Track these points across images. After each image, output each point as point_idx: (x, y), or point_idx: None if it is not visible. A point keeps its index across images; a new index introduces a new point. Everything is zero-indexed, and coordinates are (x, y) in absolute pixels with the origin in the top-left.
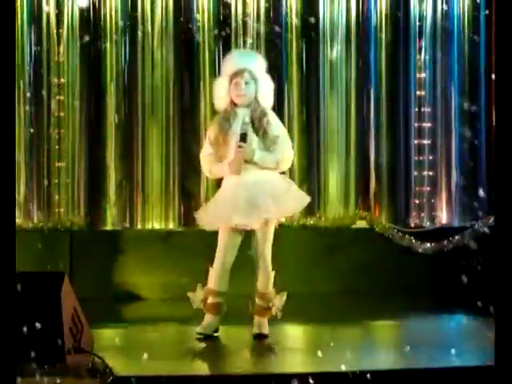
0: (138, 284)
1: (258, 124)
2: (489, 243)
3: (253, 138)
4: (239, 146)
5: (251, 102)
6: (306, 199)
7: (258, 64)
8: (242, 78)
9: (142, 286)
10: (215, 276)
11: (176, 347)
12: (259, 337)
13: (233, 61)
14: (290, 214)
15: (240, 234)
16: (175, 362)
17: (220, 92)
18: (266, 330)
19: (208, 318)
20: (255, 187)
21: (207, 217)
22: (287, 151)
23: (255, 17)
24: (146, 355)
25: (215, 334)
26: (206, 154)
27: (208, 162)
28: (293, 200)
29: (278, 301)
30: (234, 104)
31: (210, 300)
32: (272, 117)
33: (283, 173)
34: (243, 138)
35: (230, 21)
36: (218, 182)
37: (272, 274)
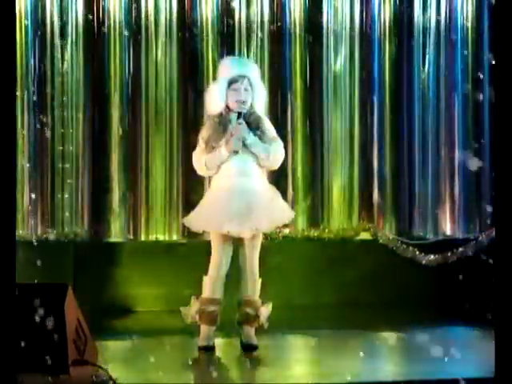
0: (141, 295)
1: (254, 127)
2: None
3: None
4: (239, 123)
5: (248, 108)
6: (293, 212)
7: (255, 72)
8: (242, 85)
9: (146, 297)
10: (210, 284)
11: (180, 359)
12: (248, 348)
13: (232, 67)
14: (279, 225)
15: (232, 242)
16: (178, 374)
17: (216, 96)
18: (254, 340)
19: (205, 330)
20: (248, 196)
21: (199, 220)
22: (280, 149)
23: (259, 28)
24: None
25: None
26: (199, 151)
27: (201, 157)
28: (282, 212)
29: (265, 310)
30: (228, 109)
31: (206, 309)
32: (267, 121)
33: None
34: (239, 116)
35: (234, 33)
36: None
37: (259, 281)
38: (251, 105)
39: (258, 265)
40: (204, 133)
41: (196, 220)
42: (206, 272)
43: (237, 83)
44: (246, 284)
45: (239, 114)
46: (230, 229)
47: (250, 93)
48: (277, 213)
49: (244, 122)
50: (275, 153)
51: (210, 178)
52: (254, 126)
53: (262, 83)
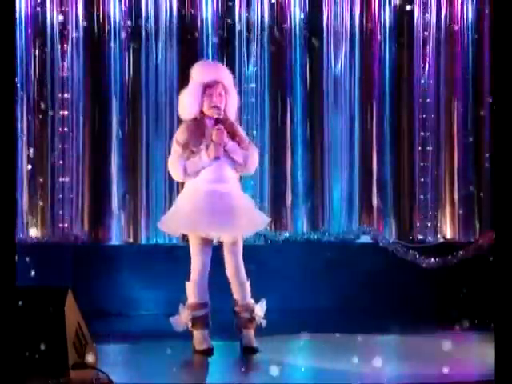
0: (141, 299)
1: (231, 133)
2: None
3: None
4: (218, 129)
5: (222, 113)
6: (268, 218)
7: (229, 77)
8: (217, 90)
9: (146, 300)
10: (195, 289)
11: (180, 362)
12: (249, 351)
13: (206, 71)
14: (255, 231)
15: (211, 243)
16: (178, 378)
17: (191, 101)
18: (254, 343)
19: (199, 334)
20: (228, 200)
21: (177, 223)
22: (256, 155)
23: (259, 32)
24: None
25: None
26: (175, 156)
27: (180, 163)
28: (260, 217)
29: (260, 309)
30: (203, 114)
31: (197, 315)
32: (239, 128)
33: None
34: (217, 121)
35: (234, 36)
36: None
37: (248, 284)
38: (224, 110)
39: (243, 267)
40: (180, 137)
41: (173, 223)
42: (187, 278)
43: (211, 88)
44: (235, 289)
45: (216, 119)
46: (210, 231)
47: (223, 98)
48: (256, 217)
49: (223, 127)
50: (252, 158)
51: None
52: (230, 131)
53: (234, 89)
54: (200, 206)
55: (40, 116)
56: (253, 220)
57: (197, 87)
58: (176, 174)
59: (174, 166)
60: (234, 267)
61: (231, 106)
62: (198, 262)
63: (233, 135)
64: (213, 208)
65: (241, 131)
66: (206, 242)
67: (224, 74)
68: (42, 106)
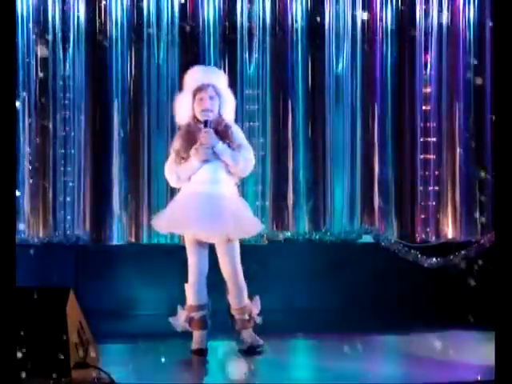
0: (143, 299)
1: (222, 135)
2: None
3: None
4: (205, 132)
5: (215, 116)
6: (261, 225)
7: (221, 79)
8: (207, 93)
9: (148, 300)
10: (192, 290)
11: (182, 362)
12: (254, 349)
13: (196, 76)
14: (246, 236)
15: (204, 243)
16: (180, 377)
17: (183, 107)
18: (259, 340)
19: (196, 334)
20: (217, 201)
21: (166, 222)
22: (249, 157)
23: (261, 32)
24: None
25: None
26: (169, 163)
27: (173, 170)
28: (250, 222)
29: (255, 308)
30: (196, 119)
31: (195, 316)
32: (236, 129)
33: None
34: (206, 124)
35: (236, 37)
36: None
37: (243, 285)
38: (219, 112)
39: (240, 268)
40: (174, 143)
41: (163, 222)
42: (186, 279)
43: (201, 92)
44: (232, 291)
45: (205, 122)
46: (198, 232)
47: (216, 101)
48: (245, 222)
49: (211, 130)
50: (244, 161)
51: None
52: (222, 133)
53: (229, 90)
54: (187, 206)
55: (41, 116)
56: (241, 225)
57: (187, 93)
58: (171, 180)
59: (168, 172)
60: (229, 269)
61: (225, 107)
62: (192, 264)
63: (224, 137)
64: (198, 208)
65: (235, 133)
66: (198, 242)
67: (214, 77)
68: (44, 106)
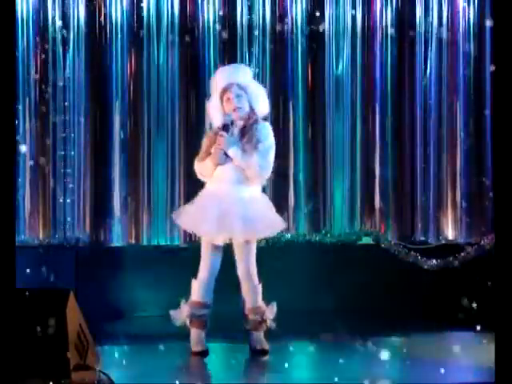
0: (143, 300)
1: (247, 129)
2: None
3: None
4: (220, 135)
5: (245, 113)
6: (280, 226)
7: (244, 75)
8: (232, 93)
9: (148, 302)
10: (199, 287)
11: (182, 364)
12: (260, 352)
13: (219, 78)
14: (257, 238)
15: (220, 246)
16: (180, 380)
17: (214, 111)
18: (266, 345)
19: (195, 334)
20: (227, 203)
21: (183, 218)
22: (261, 163)
23: (261, 33)
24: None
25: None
26: (197, 160)
27: (197, 164)
28: (263, 225)
29: (270, 312)
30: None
31: (196, 313)
32: (263, 126)
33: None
34: (225, 128)
35: (236, 39)
36: None
37: (259, 287)
38: (251, 107)
39: (255, 269)
40: (206, 139)
41: (181, 217)
42: (195, 275)
43: (226, 93)
44: (246, 291)
45: (223, 126)
46: (204, 232)
47: (243, 97)
48: (260, 227)
49: (226, 134)
50: (257, 167)
51: None
52: (247, 131)
53: (254, 81)
54: (200, 205)
55: (41, 118)
56: (248, 225)
57: (214, 97)
58: (198, 174)
59: (195, 167)
60: (244, 269)
61: (256, 100)
62: (205, 262)
63: (247, 135)
64: (208, 210)
65: (260, 130)
66: (213, 243)
67: (236, 74)
68: (44, 107)
